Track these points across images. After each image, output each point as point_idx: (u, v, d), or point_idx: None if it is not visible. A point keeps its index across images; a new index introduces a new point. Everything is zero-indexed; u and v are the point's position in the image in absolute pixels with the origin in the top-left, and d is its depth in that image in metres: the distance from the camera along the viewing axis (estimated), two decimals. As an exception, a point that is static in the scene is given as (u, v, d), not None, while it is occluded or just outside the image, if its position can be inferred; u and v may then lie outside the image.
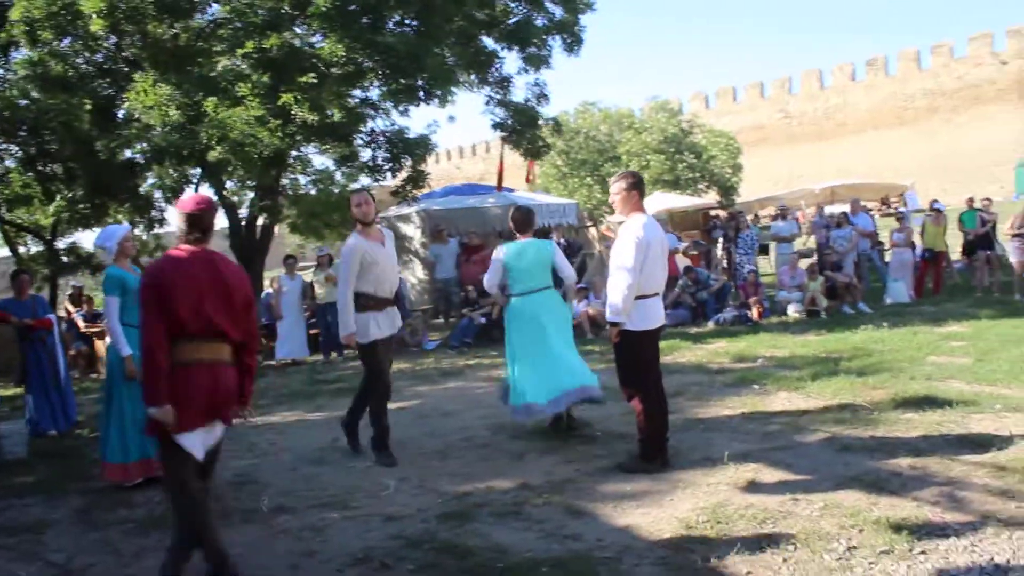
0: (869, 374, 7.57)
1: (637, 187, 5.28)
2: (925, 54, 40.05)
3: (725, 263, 16.67)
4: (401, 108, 14.04)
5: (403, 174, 14.62)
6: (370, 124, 14.41)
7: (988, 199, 15.66)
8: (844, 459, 5.04)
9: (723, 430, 6.05)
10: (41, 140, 14.10)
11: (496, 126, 16.27)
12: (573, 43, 15.98)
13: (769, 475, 4.85)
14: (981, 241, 13.96)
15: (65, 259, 16.87)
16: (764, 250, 17.86)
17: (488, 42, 16.04)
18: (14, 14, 12.54)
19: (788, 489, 4.54)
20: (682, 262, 14.83)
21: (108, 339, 5.88)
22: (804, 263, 14.22)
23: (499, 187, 17.19)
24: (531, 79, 16.25)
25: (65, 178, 14.88)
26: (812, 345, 9.73)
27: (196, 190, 14.95)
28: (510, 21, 15.62)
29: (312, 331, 13.10)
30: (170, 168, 13.55)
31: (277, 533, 4.51)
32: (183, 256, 3.70)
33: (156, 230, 16.54)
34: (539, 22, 15.73)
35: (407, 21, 13.88)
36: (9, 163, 15.41)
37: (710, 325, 12.52)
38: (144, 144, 12.71)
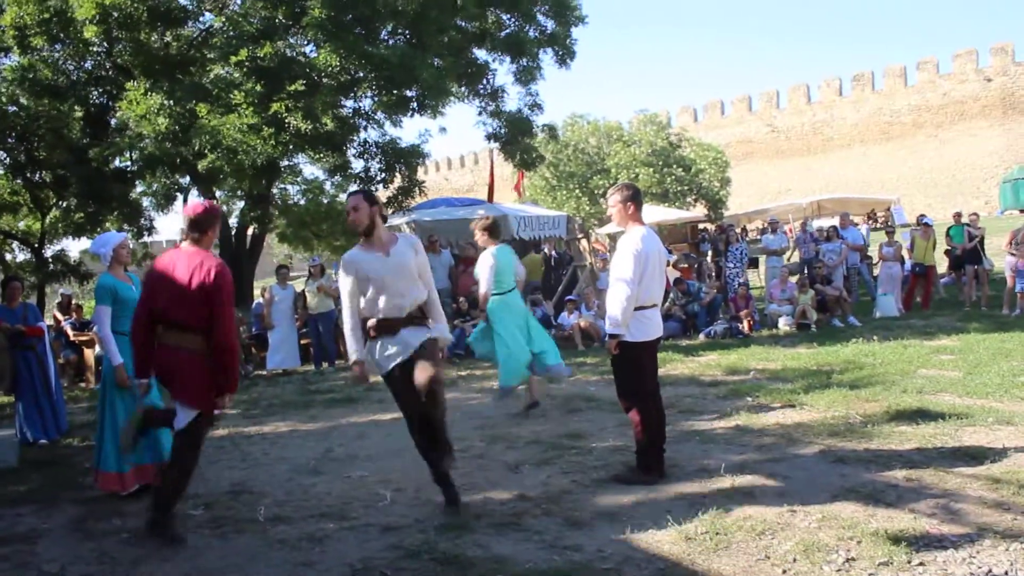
0: (861, 387, 7.62)
1: (634, 199, 5.29)
2: (911, 70, 40.57)
3: (713, 275, 16.73)
4: (394, 119, 14.07)
5: (395, 184, 14.64)
6: (362, 135, 14.44)
7: (975, 214, 15.80)
8: (840, 471, 5.06)
9: (718, 442, 6.06)
10: (30, 147, 14.04)
11: (489, 137, 16.32)
12: (565, 55, 16.07)
13: (766, 487, 4.87)
14: (969, 256, 14.08)
15: (52, 267, 16.78)
16: (754, 263, 17.94)
17: (480, 54, 16.12)
18: (4, 20, 12.50)
19: (785, 501, 4.55)
20: (672, 275, 14.86)
21: (98, 348, 5.85)
22: (793, 277, 14.30)
23: (490, 198, 17.21)
24: (523, 90, 16.33)
25: (55, 186, 14.81)
26: (803, 358, 9.78)
27: (186, 199, 14.93)
28: (502, 33, 15.70)
29: (303, 341, 13.05)
30: (162, 177, 13.52)
31: (274, 543, 4.47)
32: (169, 255, 4.54)
33: (145, 238, 16.49)
34: (531, 34, 15.82)
35: (400, 31, 13.93)
36: (-3, 170, 15.36)
37: (701, 338, 12.57)
38: (135, 153, 12.68)
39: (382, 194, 15.95)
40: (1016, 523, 4.00)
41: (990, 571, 3.51)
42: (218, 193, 15.07)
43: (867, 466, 5.11)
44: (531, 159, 16.67)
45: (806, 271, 14.31)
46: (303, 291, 13.02)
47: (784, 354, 10.22)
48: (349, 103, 14.45)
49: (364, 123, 14.57)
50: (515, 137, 16.09)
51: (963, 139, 38.20)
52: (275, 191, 14.91)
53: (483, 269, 7.42)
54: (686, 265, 16.54)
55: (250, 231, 15.57)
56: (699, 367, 9.81)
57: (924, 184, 38.94)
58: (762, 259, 16.61)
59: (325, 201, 14.78)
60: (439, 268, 14.31)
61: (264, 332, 12.75)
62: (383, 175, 14.12)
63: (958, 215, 15.72)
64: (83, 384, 12.58)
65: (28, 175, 14.85)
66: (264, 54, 11.97)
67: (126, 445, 4.88)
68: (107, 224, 15.76)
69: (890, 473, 4.93)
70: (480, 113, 16.33)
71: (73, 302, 14.70)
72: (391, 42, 13.61)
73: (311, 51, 13.15)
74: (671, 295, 13.33)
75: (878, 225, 32.02)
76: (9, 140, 14.00)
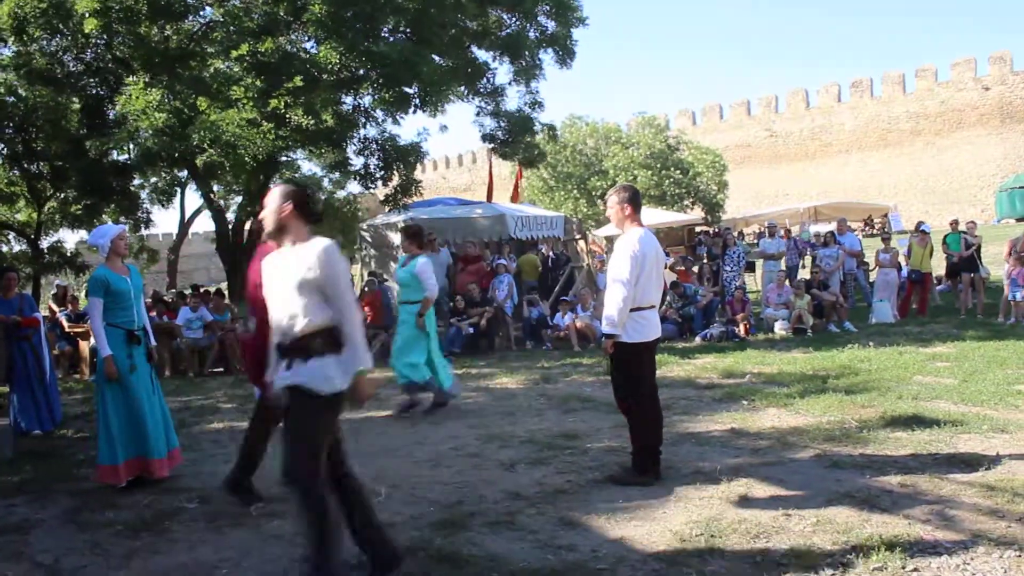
0: (857, 392, 7.63)
1: (633, 201, 5.29)
2: (910, 77, 40.61)
3: (709, 279, 16.73)
4: (395, 115, 14.05)
5: (394, 181, 14.63)
6: (362, 131, 14.42)
7: (972, 222, 15.83)
8: (835, 476, 5.07)
9: (714, 445, 6.07)
10: (28, 137, 14.00)
11: (486, 137, 16.30)
12: (565, 56, 16.07)
13: (761, 490, 4.87)
14: (966, 263, 14.11)
15: (48, 258, 16.73)
16: (751, 267, 17.96)
17: (480, 53, 16.11)
18: (2, 10, 12.44)
19: (780, 504, 4.56)
20: (669, 277, 14.87)
21: (92, 340, 5.83)
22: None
23: (489, 198, 17.21)
24: (524, 88, 16.32)
25: (52, 177, 14.76)
26: (799, 362, 9.79)
27: (183, 192, 14.92)
28: (502, 33, 15.70)
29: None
30: (161, 171, 13.49)
31: (268, 538, 4.47)
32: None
33: (143, 231, 16.46)
34: (531, 35, 15.82)
35: (401, 28, 13.92)
36: (-6, 160, 15.32)
37: (697, 340, 12.57)
38: (134, 146, 12.65)
39: (380, 191, 15.96)
40: (1010, 530, 4.01)
41: (984, 578, 3.52)
42: (216, 188, 15.03)
43: (862, 471, 5.12)
44: (532, 156, 16.65)
45: (798, 277, 14.32)
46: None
47: (780, 358, 10.24)
48: (349, 99, 14.44)
49: (364, 120, 14.57)
50: (515, 136, 16.08)
51: (961, 147, 38.29)
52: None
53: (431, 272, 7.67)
54: (683, 268, 16.53)
55: (247, 226, 15.53)
56: (695, 370, 9.81)
57: (921, 191, 39.02)
58: (759, 263, 16.62)
59: (323, 197, 14.74)
60: (437, 266, 14.31)
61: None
62: (382, 172, 14.09)
63: (955, 223, 15.75)
64: (77, 375, 12.56)
65: (26, 166, 14.82)
66: (265, 49, 11.95)
67: None
68: (105, 216, 15.74)
69: (885, 479, 4.94)
70: (478, 113, 16.33)
71: (69, 293, 14.69)
72: (392, 39, 13.59)
73: (312, 47, 13.14)
74: (667, 298, 13.33)
75: (874, 231, 32.14)
76: (7, 130, 13.95)
